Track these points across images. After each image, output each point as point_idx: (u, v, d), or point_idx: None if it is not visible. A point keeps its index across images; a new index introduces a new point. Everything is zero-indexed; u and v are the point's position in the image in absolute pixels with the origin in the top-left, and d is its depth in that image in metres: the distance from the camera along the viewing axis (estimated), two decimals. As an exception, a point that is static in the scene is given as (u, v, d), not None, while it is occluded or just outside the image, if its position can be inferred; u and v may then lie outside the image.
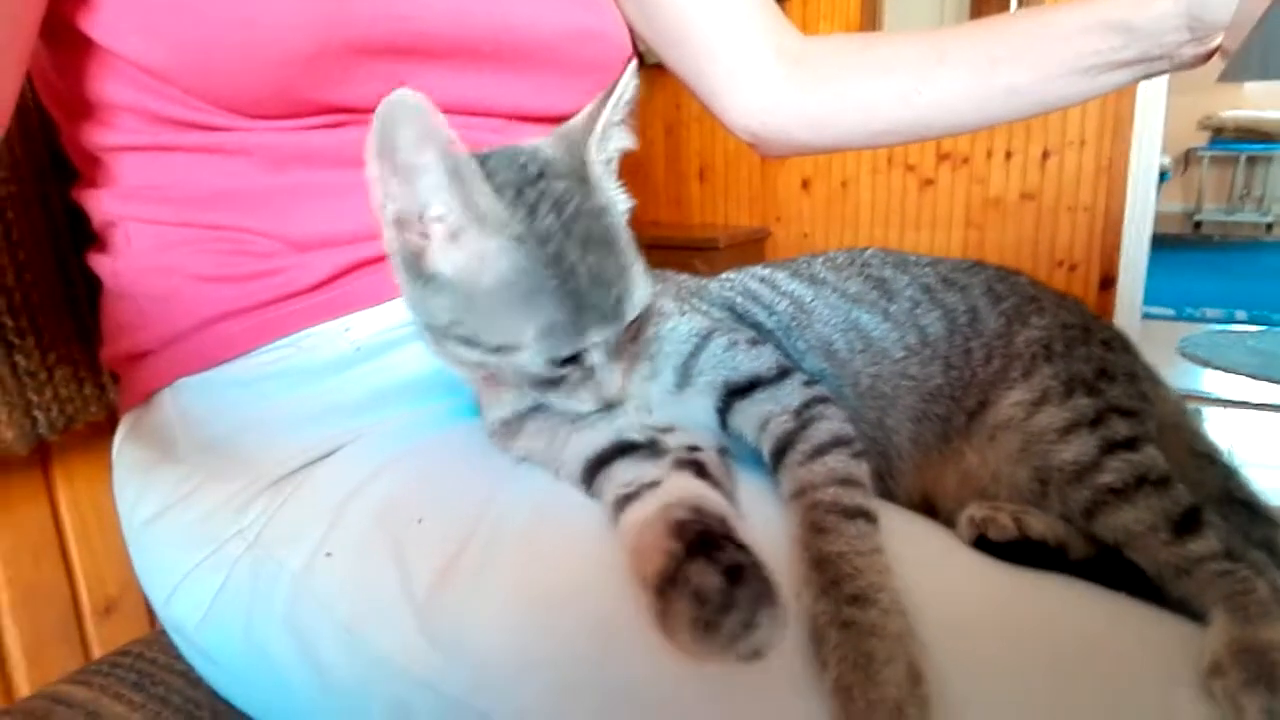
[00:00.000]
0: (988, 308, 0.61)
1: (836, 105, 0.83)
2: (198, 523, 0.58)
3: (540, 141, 0.51)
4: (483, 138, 0.65)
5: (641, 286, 0.49)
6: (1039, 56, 0.75)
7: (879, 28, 3.10)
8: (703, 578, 0.41)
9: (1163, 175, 5.25)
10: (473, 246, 0.46)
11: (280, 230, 0.60)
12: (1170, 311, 4.01)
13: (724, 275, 0.64)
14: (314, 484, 0.58)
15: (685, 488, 0.47)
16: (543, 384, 0.49)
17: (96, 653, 0.87)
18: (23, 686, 0.81)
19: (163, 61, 0.55)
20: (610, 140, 0.51)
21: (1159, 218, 3.16)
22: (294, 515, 0.56)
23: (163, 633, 0.69)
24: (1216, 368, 3.22)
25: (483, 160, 0.47)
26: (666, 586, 0.42)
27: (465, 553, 0.50)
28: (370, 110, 0.60)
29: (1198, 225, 6.06)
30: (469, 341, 0.47)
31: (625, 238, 0.49)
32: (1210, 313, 4.03)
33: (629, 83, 0.50)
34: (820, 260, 0.65)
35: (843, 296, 0.61)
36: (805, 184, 3.34)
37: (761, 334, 0.57)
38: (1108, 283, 2.98)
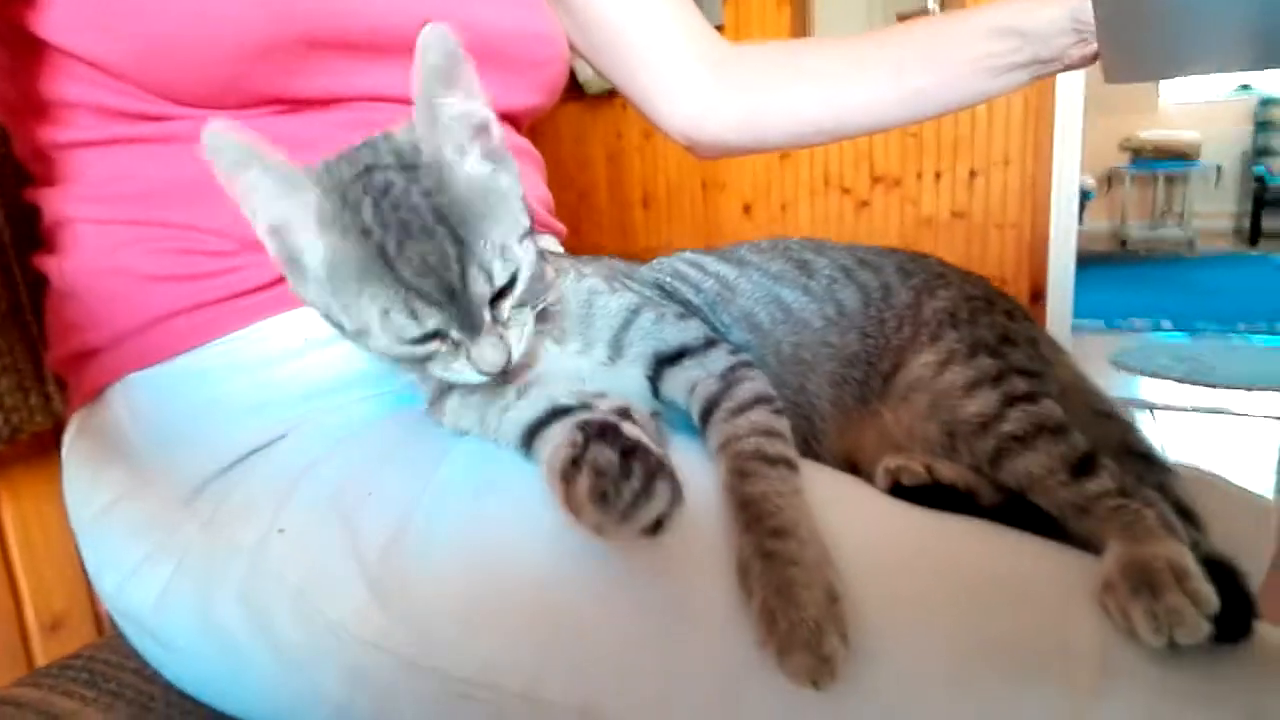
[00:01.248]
0: (899, 283, 0.65)
1: (763, 110, 0.88)
2: (150, 512, 0.60)
3: (403, 126, 0.51)
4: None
5: (497, 261, 0.49)
6: (941, 61, 0.82)
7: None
8: (599, 453, 0.44)
9: (1088, 195, 5.47)
10: (321, 243, 0.48)
11: (232, 228, 0.62)
12: (1100, 323, 4.17)
13: (655, 261, 0.67)
14: (266, 466, 0.59)
15: (606, 415, 0.50)
16: (411, 361, 0.50)
17: (43, 668, 0.86)
18: (-33, 703, 0.80)
19: (116, 57, 0.57)
20: (441, 110, 0.49)
21: (1087, 235, 3.29)
22: (247, 496, 0.58)
23: (113, 637, 0.70)
24: (1145, 374, 3.35)
25: (335, 159, 0.50)
26: (570, 470, 0.44)
27: (413, 519, 0.53)
28: (322, 101, 0.63)
29: (1123, 242, 6.31)
30: (338, 326, 0.50)
31: (475, 210, 0.48)
32: (1139, 323, 4.19)
33: (423, 52, 0.47)
34: (746, 246, 0.69)
35: (765, 275, 0.65)
36: (746, 209, 3.42)
37: (689, 310, 0.61)
38: (1037, 296, 3.09)
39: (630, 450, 0.44)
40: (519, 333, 0.51)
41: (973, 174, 3.11)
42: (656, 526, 0.44)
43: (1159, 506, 0.51)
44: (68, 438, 0.67)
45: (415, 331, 0.48)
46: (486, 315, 0.49)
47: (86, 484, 0.64)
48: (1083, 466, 0.53)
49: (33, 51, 0.59)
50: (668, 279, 0.64)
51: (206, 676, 0.60)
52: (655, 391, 0.57)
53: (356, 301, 0.48)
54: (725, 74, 0.89)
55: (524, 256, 0.51)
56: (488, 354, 0.49)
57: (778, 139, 0.91)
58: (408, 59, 0.65)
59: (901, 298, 0.64)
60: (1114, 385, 3.28)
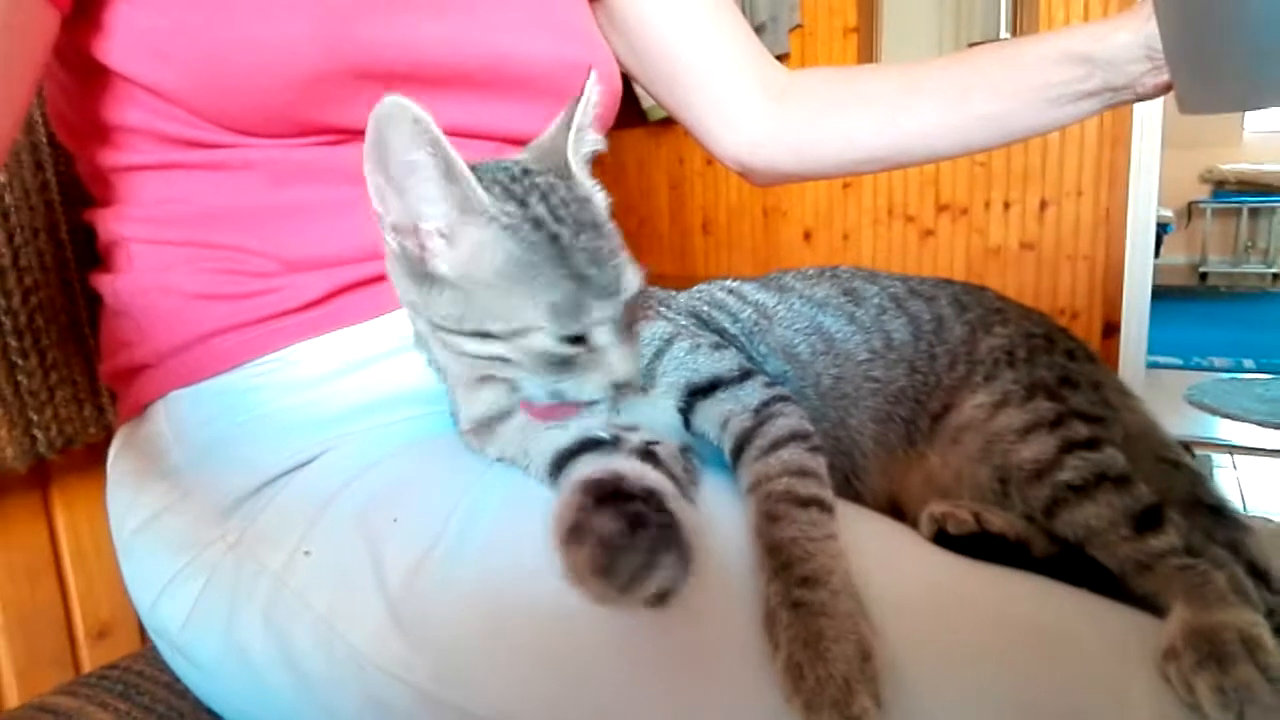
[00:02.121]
0: (953, 317, 0.62)
1: (818, 137, 0.86)
2: (184, 528, 0.60)
3: (518, 155, 0.54)
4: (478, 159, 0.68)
5: (633, 267, 0.50)
6: (1008, 87, 0.78)
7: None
8: (603, 524, 0.43)
9: (1165, 228, 5.28)
10: (469, 242, 0.47)
11: (276, 250, 0.63)
12: (1178, 361, 4.00)
13: (694, 288, 0.66)
14: (295, 488, 0.59)
15: (623, 464, 0.49)
16: (555, 366, 0.48)
17: (88, 676, 0.87)
18: (12, 706, 0.82)
19: (173, 84, 0.58)
20: (584, 143, 0.53)
21: (1165, 270, 3.16)
22: (275, 518, 0.58)
23: (151, 648, 0.70)
24: (1224, 415, 3.20)
25: (472, 167, 0.50)
26: (572, 538, 0.43)
27: (436, 548, 0.52)
28: None
29: (1203, 277, 6.07)
30: (479, 334, 0.48)
31: (611, 225, 0.51)
32: (1219, 361, 4.02)
33: (593, 88, 0.53)
34: (792, 273, 0.68)
35: (808, 302, 0.63)
36: (807, 236, 3.38)
37: (725, 339, 0.59)
38: (1110, 330, 2.98)
39: (636, 518, 0.43)
40: (633, 348, 0.51)
41: (1044, 204, 3.03)
42: (661, 598, 0.43)
43: (1230, 568, 0.48)
44: (112, 452, 0.69)
45: (578, 326, 0.47)
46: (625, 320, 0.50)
47: (127, 499, 0.64)
48: (1147, 520, 0.50)
49: (95, 76, 0.60)
50: (705, 307, 0.62)
51: (231, 697, 0.60)
52: (687, 423, 0.55)
53: (512, 298, 0.47)
54: (781, 100, 0.87)
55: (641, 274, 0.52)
56: (623, 362, 0.49)
57: (834, 166, 0.89)
58: (453, 91, 0.66)
59: (955, 332, 0.61)
60: (1191, 426, 3.14)
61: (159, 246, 0.64)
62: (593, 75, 0.53)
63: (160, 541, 0.61)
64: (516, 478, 0.55)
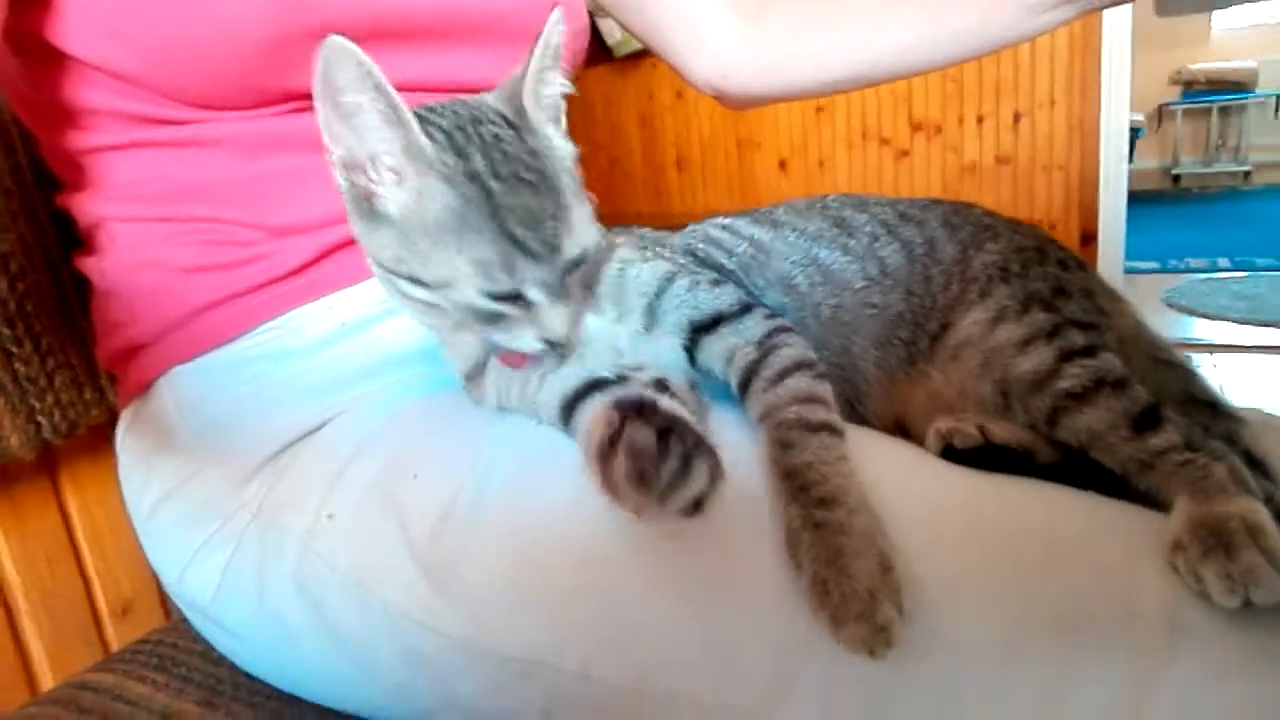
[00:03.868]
0: (945, 237, 0.63)
1: (793, 59, 0.85)
2: (203, 501, 0.61)
3: (486, 95, 0.53)
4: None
5: (583, 229, 0.50)
6: None
7: None
8: (636, 433, 0.44)
9: (1138, 132, 5.27)
10: (412, 185, 0.47)
11: (258, 219, 0.62)
12: (1155, 265, 4.04)
13: (688, 228, 0.66)
14: (310, 454, 0.60)
15: (644, 391, 0.49)
16: (485, 319, 0.49)
17: (117, 652, 0.89)
18: (47, 688, 0.83)
19: (129, 64, 0.57)
20: (546, 85, 0.52)
21: (1138, 174, 3.17)
22: (294, 484, 0.59)
23: (180, 622, 0.72)
24: (1202, 315, 3.24)
25: (427, 109, 0.50)
26: (607, 451, 0.44)
27: (459, 499, 0.53)
28: None
29: (1176, 179, 6.09)
30: (412, 279, 0.49)
31: (565, 181, 0.50)
32: (1194, 263, 4.06)
33: (554, 28, 0.51)
34: (783, 207, 0.68)
35: (802, 235, 0.63)
36: (782, 164, 3.36)
37: (723, 275, 0.59)
38: (1088, 239, 3.00)
39: (667, 429, 0.43)
40: (579, 309, 0.52)
41: (1017, 116, 3.01)
42: (696, 506, 0.44)
43: (1229, 459, 0.49)
44: (119, 433, 0.69)
45: (507, 285, 0.47)
46: (564, 281, 0.49)
47: (141, 479, 0.65)
48: (1146, 420, 0.51)
49: (53, 61, 0.59)
50: (700, 245, 0.62)
51: (270, 661, 0.62)
52: (693, 361, 0.56)
53: (445, 249, 0.47)
54: (754, 22, 0.86)
55: (597, 234, 0.52)
56: (556, 322, 0.49)
57: (811, 87, 0.88)
58: (414, 44, 0.64)
59: (948, 253, 0.62)
60: (1171, 328, 3.18)
61: (139, 224, 0.63)
62: (556, 14, 0.51)
63: (180, 516, 0.62)
64: (529, 424, 0.56)
